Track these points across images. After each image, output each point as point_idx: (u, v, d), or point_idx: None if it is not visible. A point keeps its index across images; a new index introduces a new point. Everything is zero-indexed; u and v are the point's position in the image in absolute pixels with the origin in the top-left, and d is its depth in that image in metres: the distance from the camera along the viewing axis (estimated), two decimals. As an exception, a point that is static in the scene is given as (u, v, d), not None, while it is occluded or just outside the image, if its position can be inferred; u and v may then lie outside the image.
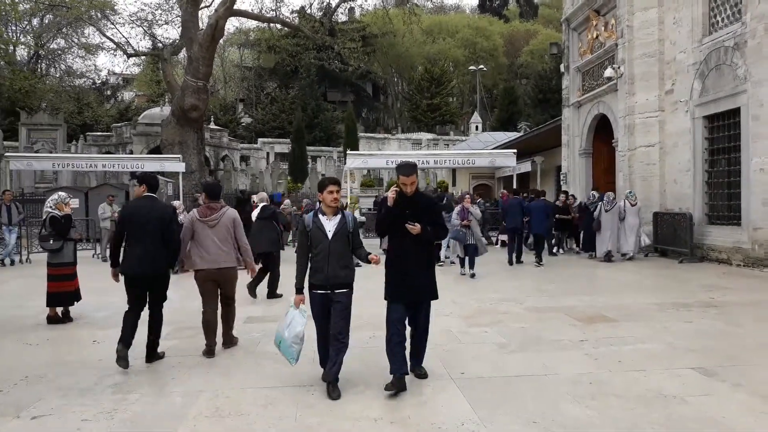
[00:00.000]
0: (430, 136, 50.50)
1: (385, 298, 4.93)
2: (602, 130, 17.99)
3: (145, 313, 5.73)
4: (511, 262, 13.38)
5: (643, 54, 15.28)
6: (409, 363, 4.91)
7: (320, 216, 4.84)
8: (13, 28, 34.83)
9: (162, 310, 5.85)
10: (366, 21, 51.07)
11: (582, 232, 15.25)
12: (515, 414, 4.24)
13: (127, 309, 5.66)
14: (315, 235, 4.79)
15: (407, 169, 4.96)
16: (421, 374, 5.07)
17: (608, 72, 16.21)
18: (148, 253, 5.57)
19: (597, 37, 17.72)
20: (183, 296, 8.60)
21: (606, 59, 17.02)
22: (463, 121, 59.99)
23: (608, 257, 13.65)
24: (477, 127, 48.19)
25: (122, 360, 5.39)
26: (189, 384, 5.07)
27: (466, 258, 11.51)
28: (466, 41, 61.67)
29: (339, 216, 4.85)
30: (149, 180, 5.93)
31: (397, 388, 4.63)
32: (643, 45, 15.28)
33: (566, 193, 16.58)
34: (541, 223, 13.56)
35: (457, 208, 11.56)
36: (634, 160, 15.51)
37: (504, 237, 15.95)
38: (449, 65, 61.84)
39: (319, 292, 4.76)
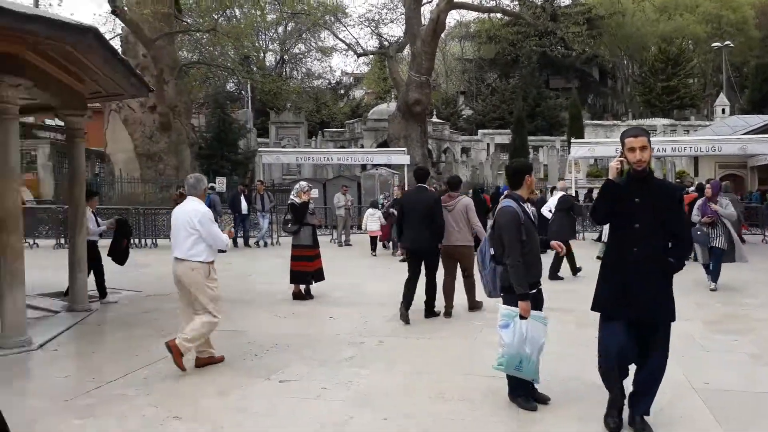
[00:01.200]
0: (666, 121, 46.08)
1: (593, 309, 3.88)
2: None
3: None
4: None
5: None
6: (627, 412, 3.81)
7: (524, 204, 4.29)
8: (263, 36, 39.33)
9: (434, 278, 6.99)
10: (591, 2, 48.29)
11: None
12: (772, 434, 3.71)
13: (407, 277, 6.89)
14: (528, 227, 4.20)
15: (635, 129, 3.76)
16: None
17: None
18: (418, 233, 6.85)
19: None
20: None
21: None
22: (706, 105, 53.79)
23: None
24: (723, 111, 42.87)
25: (404, 317, 6.73)
26: (414, 364, 5.31)
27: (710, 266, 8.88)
28: (708, 15, 54.94)
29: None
30: (417, 174, 7.38)
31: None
32: None
33: None
34: None
35: (699, 202, 9.39)
36: None
37: None
38: (688, 43, 55.80)
39: (533, 292, 4.22)
